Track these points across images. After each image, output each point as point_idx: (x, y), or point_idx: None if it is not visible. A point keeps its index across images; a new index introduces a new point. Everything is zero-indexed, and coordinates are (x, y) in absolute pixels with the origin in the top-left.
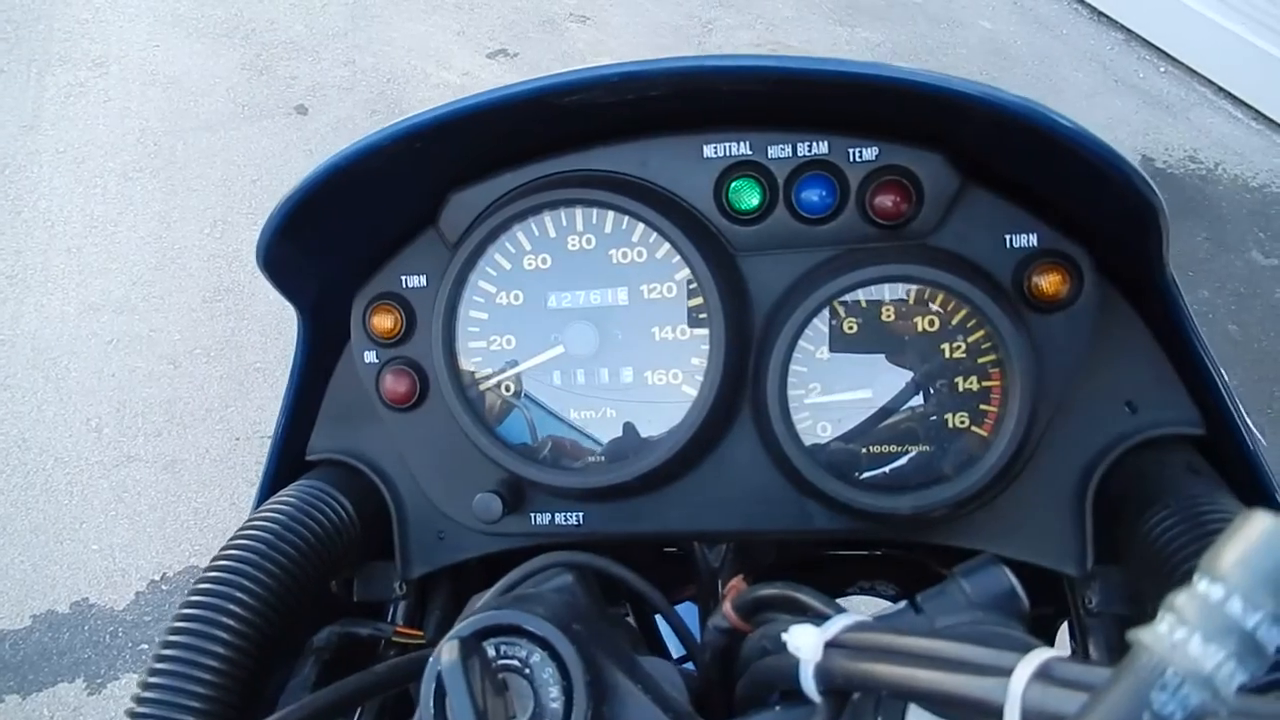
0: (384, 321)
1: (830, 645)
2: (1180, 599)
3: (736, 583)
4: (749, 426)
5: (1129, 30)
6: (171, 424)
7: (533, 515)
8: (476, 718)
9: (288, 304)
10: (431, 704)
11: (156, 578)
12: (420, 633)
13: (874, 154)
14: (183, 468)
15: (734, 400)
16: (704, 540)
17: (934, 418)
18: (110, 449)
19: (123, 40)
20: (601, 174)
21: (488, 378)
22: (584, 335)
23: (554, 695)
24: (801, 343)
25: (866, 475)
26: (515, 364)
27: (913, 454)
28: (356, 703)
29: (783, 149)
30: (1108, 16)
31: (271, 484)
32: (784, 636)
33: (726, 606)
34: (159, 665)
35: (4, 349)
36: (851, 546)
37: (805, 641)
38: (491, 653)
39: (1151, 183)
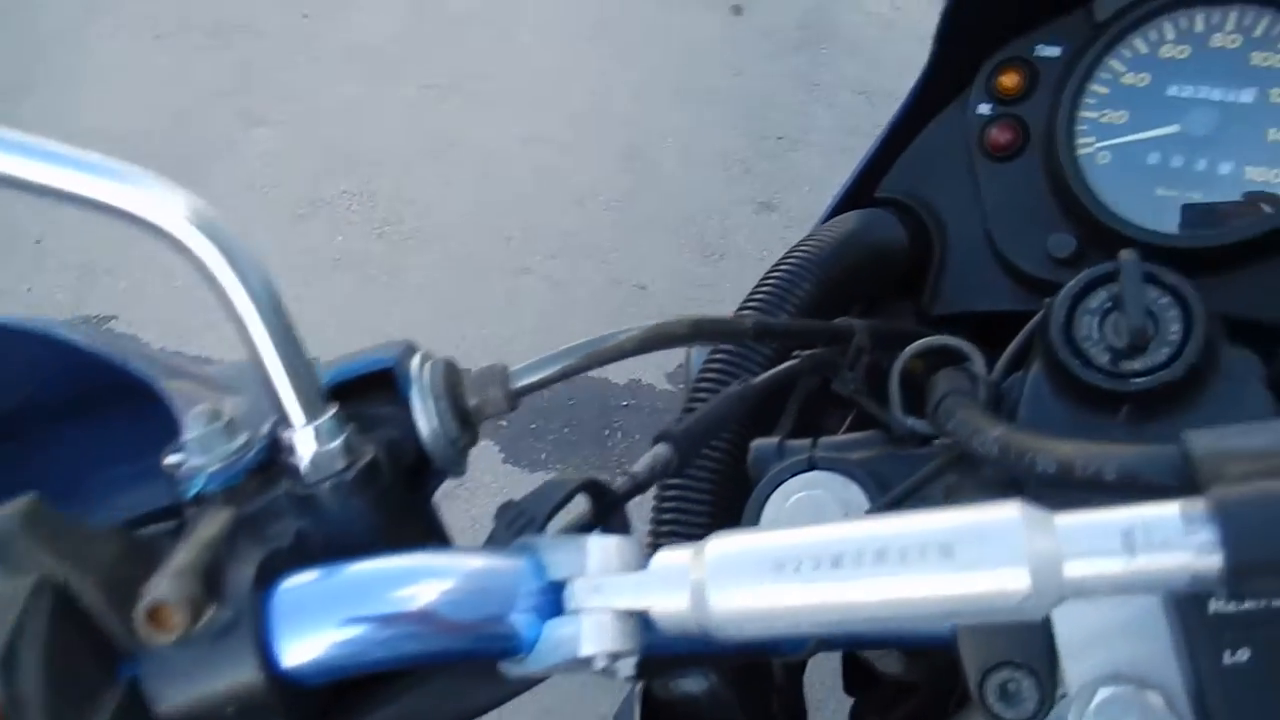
0: (1009, 80)
1: None
2: None
3: None
4: None
5: None
6: (565, 251)
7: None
8: (1143, 315)
9: (675, 191)
10: (1066, 312)
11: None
12: None
13: None
14: (566, 288)
15: None
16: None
17: None
18: (512, 258)
19: None
20: None
21: (1090, 145)
22: (1202, 121)
23: (1174, 330)
24: None
25: None
26: (1124, 134)
27: None
28: None
29: None
30: None
31: (833, 215)
32: None
33: None
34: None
35: (455, 150)
36: None
37: None
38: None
39: None
